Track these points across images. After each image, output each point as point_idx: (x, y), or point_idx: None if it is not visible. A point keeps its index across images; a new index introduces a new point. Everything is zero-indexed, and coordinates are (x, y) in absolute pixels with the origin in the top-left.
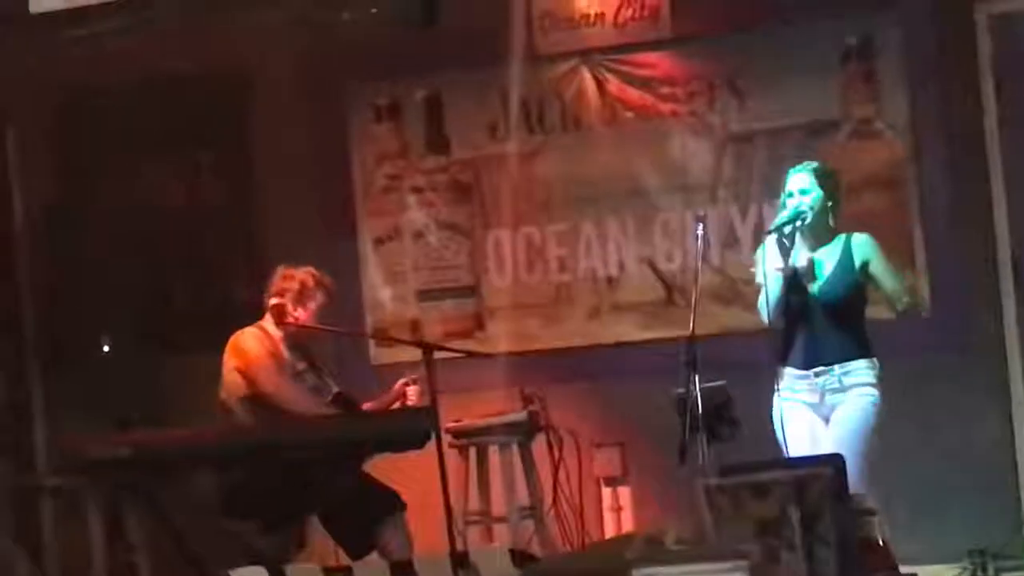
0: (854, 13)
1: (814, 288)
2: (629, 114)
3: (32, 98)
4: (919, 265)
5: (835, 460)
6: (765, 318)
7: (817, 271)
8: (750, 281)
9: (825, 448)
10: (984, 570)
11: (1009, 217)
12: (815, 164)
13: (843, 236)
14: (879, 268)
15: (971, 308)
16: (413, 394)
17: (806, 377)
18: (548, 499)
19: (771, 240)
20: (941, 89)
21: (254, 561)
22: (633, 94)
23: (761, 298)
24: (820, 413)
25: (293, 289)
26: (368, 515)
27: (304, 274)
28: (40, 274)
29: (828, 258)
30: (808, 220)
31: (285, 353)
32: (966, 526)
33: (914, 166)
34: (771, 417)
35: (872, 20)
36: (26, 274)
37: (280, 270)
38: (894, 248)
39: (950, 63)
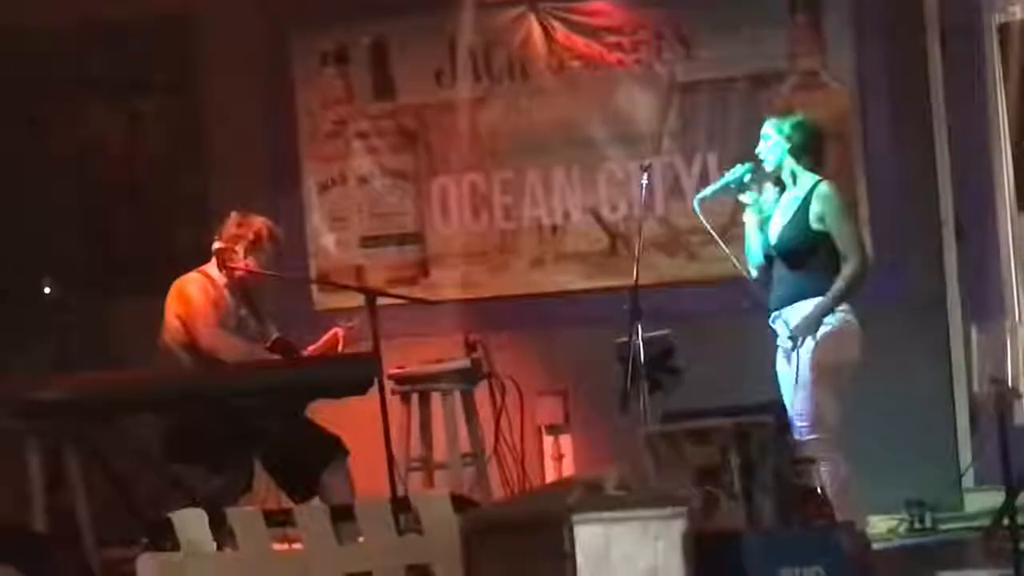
0: None
1: (771, 236)
2: (576, 63)
3: None
4: (862, 217)
5: (776, 408)
6: (750, 269)
7: (770, 214)
8: (694, 231)
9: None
10: (921, 521)
11: (952, 173)
12: (783, 114)
13: (812, 182)
14: (834, 222)
15: (913, 263)
16: (346, 338)
17: (775, 320)
18: (490, 446)
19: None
20: (886, 43)
21: (196, 505)
22: (580, 42)
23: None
24: (789, 356)
25: (246, 238)
26: (310, 460)
27: (259, 224)
28: None
29: (790, 204)
30: (768, 167)
31: (227, 299)
32: (904, 478)
33: (858, 119)
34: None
35: None
36: None
37: (234, 216)
38: None
39: (896, 16)
